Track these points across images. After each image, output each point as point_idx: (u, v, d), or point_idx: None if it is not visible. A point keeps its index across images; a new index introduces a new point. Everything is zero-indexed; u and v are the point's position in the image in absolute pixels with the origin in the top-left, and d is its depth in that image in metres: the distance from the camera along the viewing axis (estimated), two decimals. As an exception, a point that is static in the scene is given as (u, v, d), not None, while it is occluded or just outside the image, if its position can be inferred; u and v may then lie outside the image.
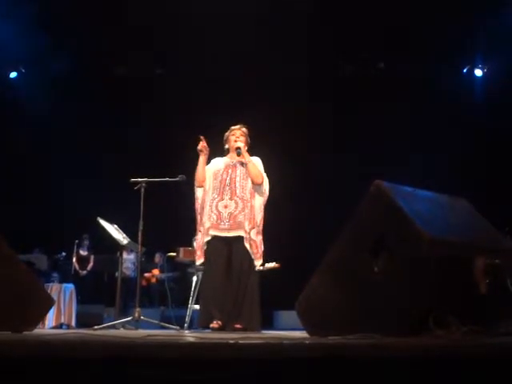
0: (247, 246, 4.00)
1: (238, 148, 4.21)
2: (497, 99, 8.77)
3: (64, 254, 8.90)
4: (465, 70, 9.30)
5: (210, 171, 4.26)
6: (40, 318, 3.51)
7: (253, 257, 4.01)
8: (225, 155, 4.39)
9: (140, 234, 4.61)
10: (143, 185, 4.62)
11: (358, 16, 7.88)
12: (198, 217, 4.23)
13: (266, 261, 4.26)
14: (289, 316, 6.74)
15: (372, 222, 2.45)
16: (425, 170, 8.17)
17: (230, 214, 4.02)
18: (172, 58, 8.89)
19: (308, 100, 8.93)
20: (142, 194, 4.60)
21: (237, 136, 4.33)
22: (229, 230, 4.01)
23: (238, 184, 4.13)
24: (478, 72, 9.22)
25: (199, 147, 4.24)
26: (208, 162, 4.34)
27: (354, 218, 2.54)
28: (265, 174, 4.27)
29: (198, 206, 4.27)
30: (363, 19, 7.87)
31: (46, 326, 6.52)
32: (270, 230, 4.29)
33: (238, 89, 8.83)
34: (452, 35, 8.07)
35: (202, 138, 4.25)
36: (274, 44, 8.26)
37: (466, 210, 2.78)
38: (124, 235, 5.39)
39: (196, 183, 4.30)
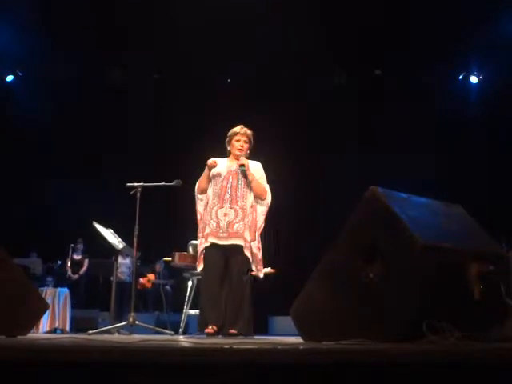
0: (248, 254, 3.98)
1: (242, 165, 4.10)
2: (492, 106, 8.81)
3: (59, 262, 8.89)
4: (460, 77, 9.35)
5: (209, 162, 4.17)
6: (34, 322, 3.50)
7: (255, 270, 4.01)
8: (226, 156, 4.30)
9: (135, 239, 4.60)
10: (139, 189, 4.61)
11: (355, 22, 7.91)
12: (200, 223, 4.18)
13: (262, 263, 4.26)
14: (284, 321, 6.73)
15: (366, 228, 2.46)
16: (422, 175, 8.19)
17: (229, 222, 3.98)
18: (170, 59, 8.88)
19: (307, 101, 8.96)
20: (138, 199, 4.60)
21: (240, 145, 4.21)
22: (226, 238, 3.96)
23: (239, 192, 4.06)
24: (474, 79, 9.28)
25: (210, 164, 4.15)
26: (207, 158, 4.26)
27: (348, 224, 2.55)
28: (267, 186, 4.21)
29: (199, 212, 4.22)
30: (360, 26, 7.90)
31: (40, 331, 6.50)
32: (265, 235, 4.28)
33: (238, 91, 8.85)
34: (448, 42, 8.12)
35: (215, 161, 4.17)
36: (274, 45, 8.28)
37: (460, 217, 2.79)
38: (119, 239, 5.38)
39: (197, 191, 4.24)
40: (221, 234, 3.98)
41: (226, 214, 4.01)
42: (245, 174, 4.10)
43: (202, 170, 4.24)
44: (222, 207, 4.03)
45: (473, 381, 1.51)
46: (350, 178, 8.32)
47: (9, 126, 9.04)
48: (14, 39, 8.17)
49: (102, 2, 7.68)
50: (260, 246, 4.12)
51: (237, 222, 3.99)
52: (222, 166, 4.20)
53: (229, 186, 4.08)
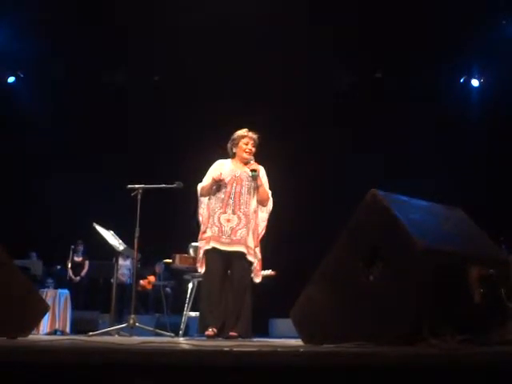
0: (251, 259, 3.98)
1: (254, 170, 4.06)
2: (493, 109, 8.81)
3: (59, 267, 8.91)
4: (462, 80, 9.35)
5: (214, 174, 4.11)
6: (35, 323, 3.50)
7: (253, 274, 4.01)
8: (229, 157, 4.26)
9: (136, 241, 4.61)
10: (140, 191, 4.62)
11: (356, 24, 7.93)
12: (202, 225, 4.14)
13: (261, 268, 4.26)
14: (284, 324, 6.72)
15: (367, 231, 2.46)
16: (423, 177, 8.19)
17: (232, 228, 3.96)
18: (171, 62, 8.88)
19: (308, 101, 8.97)
20: (139, 201, 4.60)
21: (249, 148, 4.16)
22: (229, 244, 3.95)
23: (242, 199, 4.04)
24: (475, 82, 9.28)
25: (216, 178, 4.04)
26: (211, 159, 4.25)
27: (349, 226, 2.55)
28: (270, 192, 4.19)
29: (202, 214, 4.17)
30: (361, 27, 7.92)
31: (41, 332, 6.50)
32: (265, 237, 4.28)
33: (238, 91, 8.85)
34: (449, 45, 8.12)
35: (220, 176, 4.09)
36: (274, 46, 8.29)
37: (461, 220, 2.79)
38: (120, 241, 5.39)
39: (200, 194, 4.16)
40: (223, 240, 3.97)
41: (228, 220, 3.99)
42: (255, 179, 4.07)
43: (202, 173, 4.22)
44: (224, 213, 4.01)
45: (473, 384, 1.51)
46: (350, 178, 8.31)
47: (9, 127, 9.05)
48: (15, 40, 8.18)
49: (102, 3, 7.69)
50: (260, 251, 4.12)
51: (240, 229, 3.98)
52: (225, 168, 4.15)
53: (232, 191, 4.05)
